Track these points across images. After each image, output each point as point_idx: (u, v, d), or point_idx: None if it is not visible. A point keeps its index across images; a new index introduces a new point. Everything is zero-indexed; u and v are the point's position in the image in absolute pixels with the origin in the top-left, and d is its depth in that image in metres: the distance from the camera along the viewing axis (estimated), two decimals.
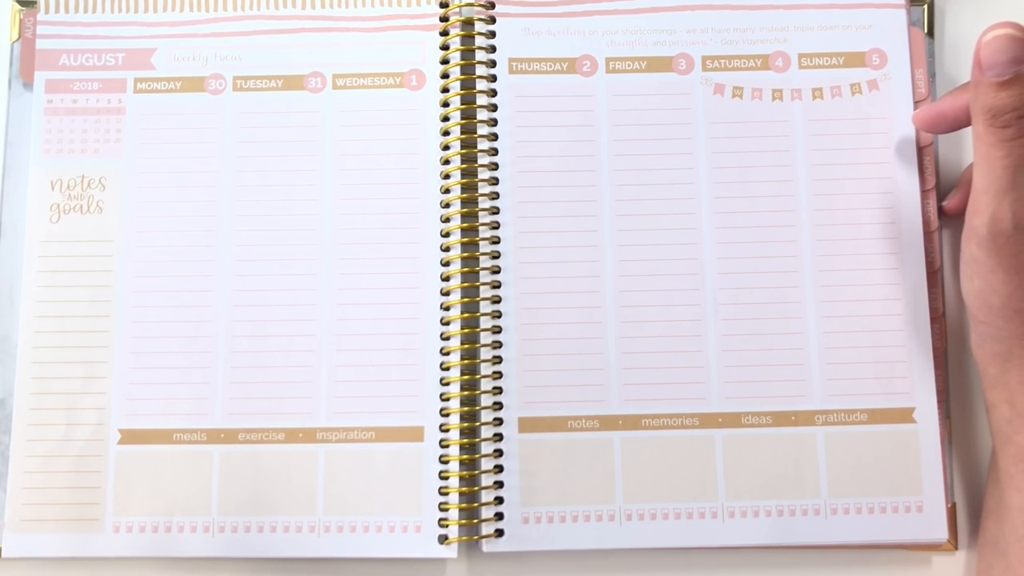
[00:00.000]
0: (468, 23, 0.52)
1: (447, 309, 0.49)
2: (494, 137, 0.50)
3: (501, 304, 0.49)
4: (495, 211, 0.50)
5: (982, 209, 0.41)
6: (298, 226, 0.50)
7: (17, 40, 0.53)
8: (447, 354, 0.49)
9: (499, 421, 0.48)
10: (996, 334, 0.43)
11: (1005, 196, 0.40)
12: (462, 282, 0.49)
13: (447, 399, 0.48)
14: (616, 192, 0.50)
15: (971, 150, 0.52)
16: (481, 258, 0.49)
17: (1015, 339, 0.42)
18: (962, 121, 0.46)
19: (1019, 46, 0.38)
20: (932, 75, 0.51)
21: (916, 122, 0.48)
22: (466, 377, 0.49)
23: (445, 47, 0.52)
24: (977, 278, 0.42)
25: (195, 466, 0.48)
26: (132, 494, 0.48)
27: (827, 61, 0.51)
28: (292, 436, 0.49)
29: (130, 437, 0.49)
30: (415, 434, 0.48)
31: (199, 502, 0.48)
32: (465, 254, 0.49)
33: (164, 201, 0.51)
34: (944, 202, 0.50)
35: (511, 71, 0.51)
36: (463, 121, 0.51)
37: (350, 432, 0.49)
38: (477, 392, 0.48)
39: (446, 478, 0.48)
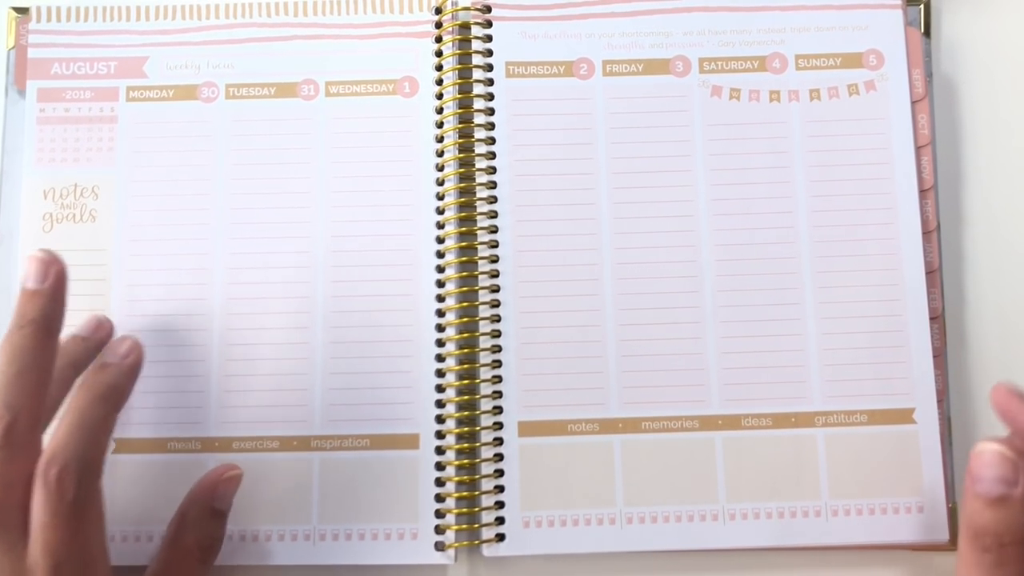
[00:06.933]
0: (464, 27, 0.52)
1: (442, 315, 0.49)
2: (491, 141, 0.50)
3: (500, 308, 0.49)
4: (493, 215, 0.50)
5: None
6: (292, 233, 0.50)
7: (13, 47, 0.52)
8: (443, 360, 0.49)
9: (499, 425, 0.48)
10: None
11: None
12: (459, 287, 0.49)
13: (444, 405, 0.48)
14: (614, 195, 0.50)
15: (971, 148, 0.52)
16: (479, 263, 0.49)
17: None
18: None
19: (1008, 466, 0.36)
20: (929, 75, 0.51)
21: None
22: (465, 381, 0.48)
23: (440, 52, 0.52)
24: None
25: (189, 475, 0.48)
26: (126, 504, 0.48)
27: (824, 62, 0.51)
28: (286, 444, 0.48)
29: (125, 446, 0.48)
30: (410, 441, 0.48)
31: None
32: (463, 258, 0.49)
33: (157, 209, 0.51)
34: None
35: (508, 75, 0.51)
36: (460, 125, 0.50)
37: (344, 440, 0.48)
38: (476, 396, 0.48)
39: (444, 484, 0.47)
